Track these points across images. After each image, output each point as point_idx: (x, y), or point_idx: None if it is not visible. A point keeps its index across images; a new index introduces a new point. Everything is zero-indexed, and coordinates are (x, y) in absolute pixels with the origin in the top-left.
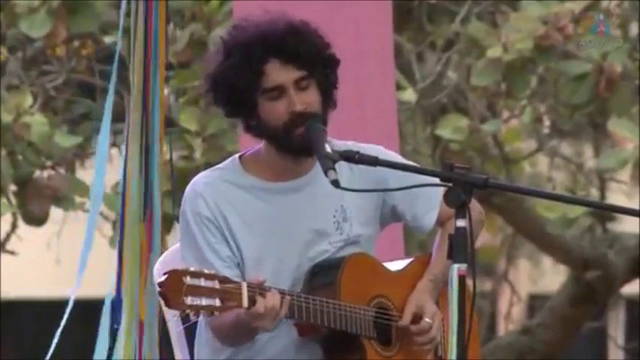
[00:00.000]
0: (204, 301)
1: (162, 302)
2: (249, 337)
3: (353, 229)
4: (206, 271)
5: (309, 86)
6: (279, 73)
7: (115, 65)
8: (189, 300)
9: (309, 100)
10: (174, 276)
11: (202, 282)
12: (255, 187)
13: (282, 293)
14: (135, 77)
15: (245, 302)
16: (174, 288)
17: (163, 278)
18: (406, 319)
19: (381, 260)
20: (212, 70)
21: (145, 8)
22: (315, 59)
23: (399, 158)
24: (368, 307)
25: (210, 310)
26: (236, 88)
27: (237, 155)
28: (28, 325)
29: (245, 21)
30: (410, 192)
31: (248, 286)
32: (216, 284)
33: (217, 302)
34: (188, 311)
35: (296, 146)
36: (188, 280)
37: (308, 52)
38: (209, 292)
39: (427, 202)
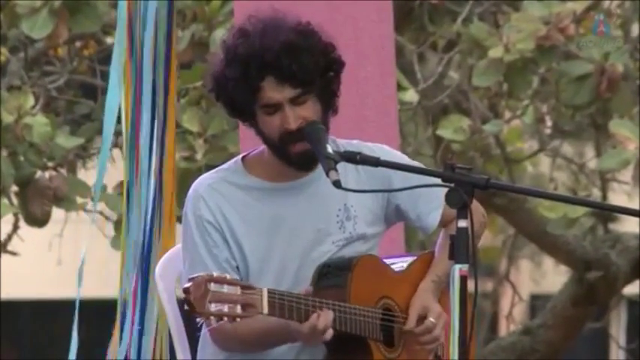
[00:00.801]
0: (226, 308)
1: (186, 308)
2: (271, 348)
3: (357, 227)
4: (228, 276)
5: (307, 100)
6: (274, 92)
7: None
8: (212, 306)
9: (305, 114)
10: (199, 282)
11: (225, 288)
12: (258, 188)
13: (276, 293)
14: (160, 78)
15: (265, 309)
16: (198, 294)
17: (188, 285)
18: (412, 323)
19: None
20: (214, 74)
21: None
22: (312, 75)
23: (404, 158)
24: (375, 308)
25: (232, 317)
26: (235, 100)
27: (240, 156)
28: (28, 325)
29: (249, 23)
30: (413, 192)
31: (269, 293)
32: (237, 290)
33: (239, 309)
34: (211, 317)
35: (295, 162)
36: (212, 286)
37: (304, 71)
38: (231, 299)
39: (430, 202)
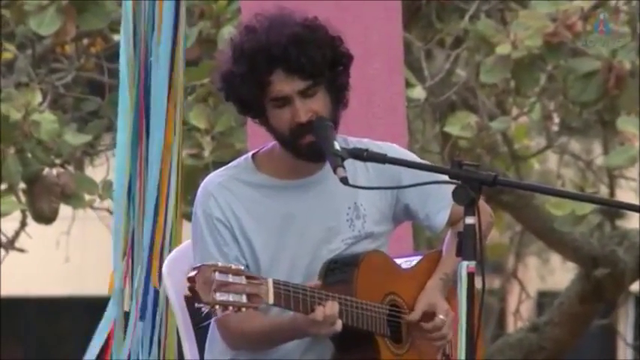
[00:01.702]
0: (231, 297)
1: (191, 297)
2: (280, 344)
3: (366, 226)
4: (233, 266)
5: (316, 93)
6: (283, 84)
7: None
8: (217, 295)
9: (315, 107)
10: (204, 271)
11: (230, 278)
12: (268, 185)
13: (281, 284)
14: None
15: (271, 299)
16: (204, 283)
17: (193, 273)
18: (416, 315)
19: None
20: (222, 71)
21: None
22: (321, 67)
23: (414, 157)
24: (382, 304)
25: (237, 306)
26: (244, 96)
27: (250, 153)
28: (33, 322)
29: (255, 20)
30: (422, 191)
31: (274, 283)
32: (243, 280)
33: (244, 298)
34: (216, 307)
35: (305, 154)
36: (217, 275)
37: (312, 63)
38: (236, 288)
39: (439, 201)
